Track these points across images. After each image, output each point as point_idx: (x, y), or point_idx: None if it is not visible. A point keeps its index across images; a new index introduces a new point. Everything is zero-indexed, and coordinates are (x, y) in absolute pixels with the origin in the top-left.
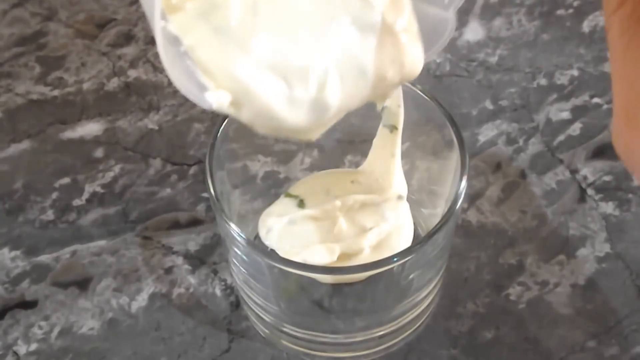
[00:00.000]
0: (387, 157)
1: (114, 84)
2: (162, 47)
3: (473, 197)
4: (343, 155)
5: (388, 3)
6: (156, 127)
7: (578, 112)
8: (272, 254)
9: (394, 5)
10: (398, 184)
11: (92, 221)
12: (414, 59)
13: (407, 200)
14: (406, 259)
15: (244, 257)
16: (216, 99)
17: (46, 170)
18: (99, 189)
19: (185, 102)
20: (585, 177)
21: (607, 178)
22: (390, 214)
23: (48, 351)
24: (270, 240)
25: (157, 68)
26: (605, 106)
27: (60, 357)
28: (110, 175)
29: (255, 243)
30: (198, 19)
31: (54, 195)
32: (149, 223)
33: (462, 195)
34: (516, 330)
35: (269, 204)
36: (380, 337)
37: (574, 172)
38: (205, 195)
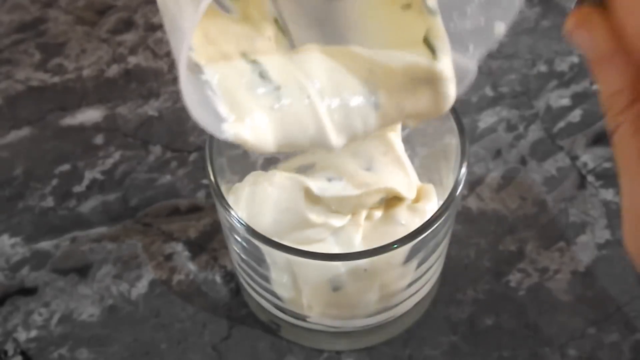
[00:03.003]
0: None
1: (113, 70)
2: (184, 76)
3: (473, 184)
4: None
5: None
6: (156, 114)
7: (578, 98)
8: (272, 240)
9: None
10: (409, 184)
11: (92, 208)
12: (449, 102)
13: None
14: (406, 245)
15: (244, 244)
16: (234, 132)
17: (46, 157)
18: (98, 176)
19: None
20: (585, 164)
21: (607, 165)
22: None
23: (48, 338)
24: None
25: (157, 55)
26: None
27: (60, 344)
28: (110, 162)
29: (255, 230)
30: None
31: (54, 182)
32: (148, 210)
33: (462, 182)
34: (516, 317)
35: None
36: (380, 324)
37: (574, 158)
38: (205, 182)
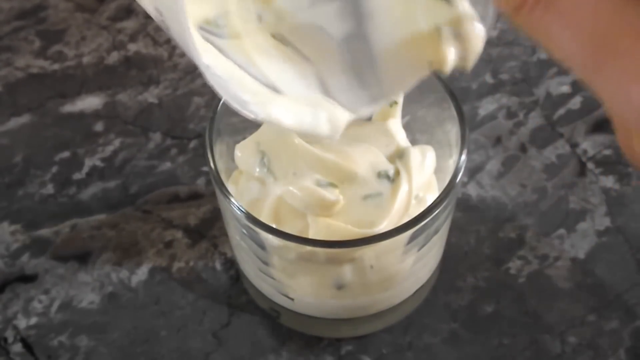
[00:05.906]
0: None
1: (113, 57)
2: (199, 60)
3: (473, 171)
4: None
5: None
6: (156, 101)
7: (578, 86)
8: (272, 227)
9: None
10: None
11: (92, 195)
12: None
13: None
14: (405, 232)
15: (244, 231)
16: (266, 112)
17: (46, 144)
18: (98, 163)
19: (185, 76)
20: (585, 151)
21: (607, 152)
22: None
23: (48, 325)
24: None
25: (157, 42)
26: None
27: (60, 331)
28: (110, 149)
29: (255, 217)
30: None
31: (54, 169)
32: (148, 197)
33: (462, 169)
34: (516, 304)
35: None
36: (380, 311)
37: (574, 145)
38: (205, 169)
